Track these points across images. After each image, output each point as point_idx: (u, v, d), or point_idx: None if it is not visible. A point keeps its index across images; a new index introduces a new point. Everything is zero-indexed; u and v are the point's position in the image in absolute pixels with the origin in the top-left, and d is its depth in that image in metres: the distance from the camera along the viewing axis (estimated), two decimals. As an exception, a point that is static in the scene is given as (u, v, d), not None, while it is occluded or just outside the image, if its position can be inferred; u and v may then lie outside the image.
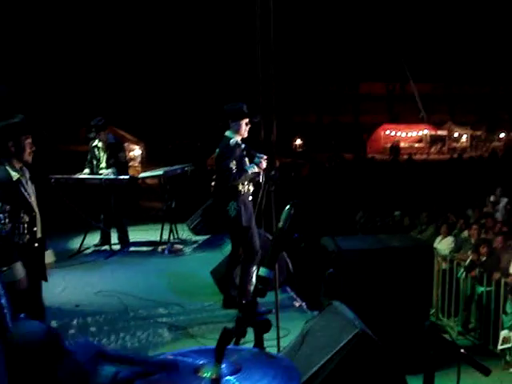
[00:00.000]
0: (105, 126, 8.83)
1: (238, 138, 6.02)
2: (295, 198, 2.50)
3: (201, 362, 1.82)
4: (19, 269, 4.02)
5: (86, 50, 35.31)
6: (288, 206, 2.39)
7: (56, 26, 32.83)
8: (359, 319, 4.16)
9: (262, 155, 6.00)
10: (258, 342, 2.17)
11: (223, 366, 1.77)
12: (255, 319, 2.11)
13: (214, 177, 6.59)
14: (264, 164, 5.94)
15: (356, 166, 25.06)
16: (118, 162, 8.90)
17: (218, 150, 6.13)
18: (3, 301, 2.47)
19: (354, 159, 28.24)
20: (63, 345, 1.94)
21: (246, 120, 6.09)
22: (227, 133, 6.10)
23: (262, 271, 2.33)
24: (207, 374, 1.75)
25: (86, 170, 8.91)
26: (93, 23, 35.51)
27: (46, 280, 4.47)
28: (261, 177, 6.35)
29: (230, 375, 1.76)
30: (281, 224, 2.38)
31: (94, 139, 8.86)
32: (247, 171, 5.95)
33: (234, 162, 5.88)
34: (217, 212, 6.24)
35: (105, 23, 36.07)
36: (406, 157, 34.14)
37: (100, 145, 8.84)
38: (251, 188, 6.09)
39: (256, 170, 5.97)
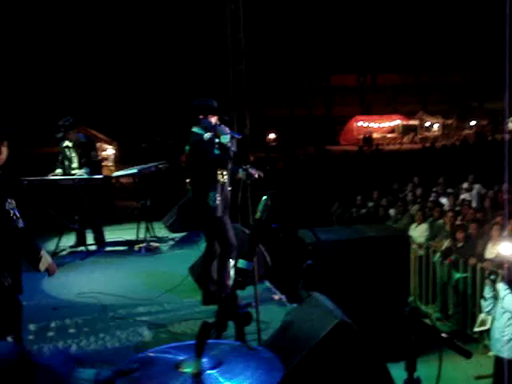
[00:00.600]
0: (73, 126, 8.71)
1: (208, 135, 5.94)
2: (271, 189, 2.49)
3: (181, 358, 1.80)
4: (46, 254, 4.04)
5: (56, 50, 34.94)
6: (265, 197, 2.38)
7: (30, 24, 32.46)
8: (339, 309, 4.17)
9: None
10: (239, 335, 2.15)
11: (204, 360, 1.75)
12: (236, 312, 2.10)
13: (188, 174, 6.50)
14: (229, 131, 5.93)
15: (331, 158, 25.18)
16: (91, 161, 8.80)
17: (188, 147, 6.05)
18: None
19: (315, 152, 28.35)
20: (35, 360, 1.90)
21: (216, 117, 6.03)
22: (195, 129, 6.00)
23: (241, 263, 2.31)
24: (188, 370, 1.74)
25: (59, 171, 8.80)
26: (65, 22, 35.13)
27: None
28: (240, 171, 6.33)
29: (212, 369, 1.75)
30: (258, 214, 2.36)
31: (64, 139, 8.75)
32: (227, 145, 5.85)
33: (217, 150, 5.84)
34: (194, 205, 6.15)
35: (76, 23, 35.72)
36: (376, 147, 34.40)
37: (70, 145, 8.73)
38: (226, 180, 6.05)
39: (228, 139, 5.88)
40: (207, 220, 6.06)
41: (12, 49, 31.27)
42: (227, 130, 5.95)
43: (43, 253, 3.98)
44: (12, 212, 3.72)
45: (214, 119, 6.02)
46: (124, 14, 37.92)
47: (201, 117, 6.00)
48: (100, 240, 9.05)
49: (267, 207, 2.40)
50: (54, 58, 34.93)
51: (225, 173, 5.98)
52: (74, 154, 8.75)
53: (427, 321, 2.15)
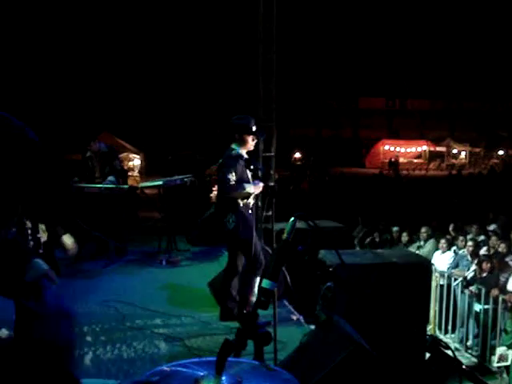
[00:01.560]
0: (93, 136, 8.82)
1: (243, 151, 5.98)
2: (298, 210, 2.49)
3: (201, 374, 1.80)
4: (40, 262, 3.81)
5: (86, 61, 35.44)
6: (292, 218, 2.38)
7: (55, 35, 32.96)
8: (357, 333, 4.14)
9: (260, 167, 6.00)
10: (258, 355, 2.15)
11: (223, 378, 1.75)
12: (256, 331, 2.09)
13: (216, 187, 6.56)
14: (260, 189, 5.93)
15: (356, 180, 25.11)
16: (114, 169, 8.88)
17: (220, 161, 6.09)
18: None
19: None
20: None
21: (252, 136, 6.05)
22: (233, 145, 6.04)
23: (265, 283, 2.31)
24: (207, 386, 1.74)
25: (76, 179, 8.90)
26: (92, 32, 35.65)
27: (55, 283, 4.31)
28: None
29: (231, 387, 1.74)
30: (285, 235, 2.36)
31: (87, 150, 8.87)
32: (244, 188, 5.90)
33: (234, 174, 5.83)
34: (216, 223, 6.19)
35: (105, 33, 36.20)
36: (405, 172, 34.24)
37: (92, 155, 8.83)
38: (251, 201, 6.05)
39: (252, 190, 5.93)
40: (229, 240, 6.12)
41: (44, 59, 31.78)
42: (258, 183, 5.94)
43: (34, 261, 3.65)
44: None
45: (250, 138, 6.04)
46: (158, 29, 38.36)
47: (237, 135, 6.03)
48: (122, 249, 9.10)
49: (294, 228, 2.40)
50: (89, 68, 35.42)
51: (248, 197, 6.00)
52: (95, 164, 8.84)
53: (449, 351, 2.12)
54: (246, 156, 5.97)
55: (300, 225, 2.68)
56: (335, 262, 6.35)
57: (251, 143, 6.05)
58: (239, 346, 2.03)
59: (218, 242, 9.97)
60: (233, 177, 5.81)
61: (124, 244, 9.19)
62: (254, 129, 6.05)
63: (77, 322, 6.11)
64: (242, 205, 5.93)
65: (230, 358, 1.82)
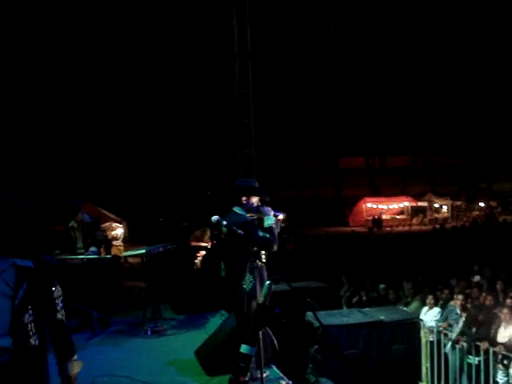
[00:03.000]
0: (80, 207, 8.81)
1: (247, 214, 5.96)
2: (277, 273, 2.48)
3: None
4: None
5: (64, 128, 35.72)
6: (268, 282, 2.36)
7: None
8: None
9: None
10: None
11: None
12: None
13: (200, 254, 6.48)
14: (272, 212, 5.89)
15: (340, 239, 25.14)
16: (96, 240, 8.84)
17: (225, 229, 5.73)
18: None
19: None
20: None
21: (257, 198, 6.04)
22: (236, 209, 6.00)
23: (244, 348, 2.27)
24: None
25: (57, 251, 8.83)
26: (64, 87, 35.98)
27: None
28: None
29: None
30: (261, 299, 2.34)
31: (70, 220, 8.84)
32: (272, 227, 5.82)
33: (262, 232, 5.79)
34: (227, 287, 6.02)
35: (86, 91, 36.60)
36: (388, 228, 34.38)
37: (76, 225, 8.80)
38: (263, 261, 5.93)
39: (273, 220, 5.87)
40: (240, 303, 5.88)
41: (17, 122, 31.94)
42: (270, 210, 5.96)
43: (76, 358, 3.56)
44: (58, 302, 3.31)
45: (255, 200, 6.03)
46: (138, 89, 38.87)
47: (243, 198, 5.99)
48: (105, 321, 8.97)
49: (270, 292, 2.39)
50: (68, 139, 35.67)
51: (263, 255, 5.91)
52: (78, 234, 8.80)
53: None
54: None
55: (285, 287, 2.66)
56: (323, 323, 6.31)
57: (255, 205, 6.02)
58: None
59: (204, 309, 9.91)
60: (262, 233, 5.76)
61: (108, 315, 9.05)
62: (258, 190, 6.07)
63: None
64: (259, 265, 5.84)
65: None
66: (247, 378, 5.08)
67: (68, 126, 36.14)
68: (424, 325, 10.31)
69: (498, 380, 7.87)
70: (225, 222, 5.60)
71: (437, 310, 10.96)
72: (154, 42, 38.56)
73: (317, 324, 6.56)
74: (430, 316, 10.92)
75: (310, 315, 6.93)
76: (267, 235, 5.74)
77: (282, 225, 6.08)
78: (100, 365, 7.14)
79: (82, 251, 8.76)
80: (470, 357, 9.38)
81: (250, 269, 5.78)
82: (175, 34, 38.48)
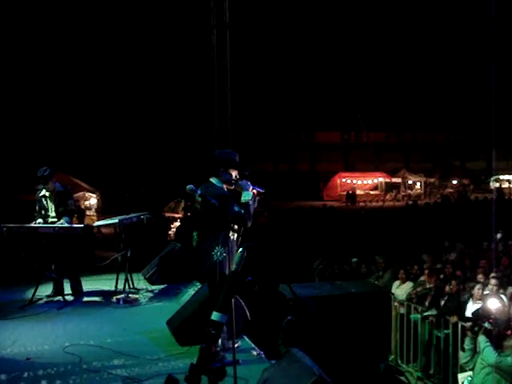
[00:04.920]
0: (51, 175, 8.68)
1: (224, 186, 5.82)
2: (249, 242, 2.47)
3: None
4: None
5: (44, 96, 35.24)
6: (241, 249, 2.35)
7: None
8: (317, 366, 4.11)
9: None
10: (212, 391, 2.09)
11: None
12: (209, 366, 2.04)
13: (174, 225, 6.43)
14: (250, 187, 5.82)
15: (313, 213, 25.24)
16: (68, 209, 8.74)
17: (200, 198, 5.62)
18: None
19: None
20: None
21: (236, 171, 5.91)
22: (214, 180, 5.86)
23: (215, 316, 2.26)
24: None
25: (39, 220, 8.74)
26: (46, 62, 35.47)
27: None
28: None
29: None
30: (234, 267, 2.33)
31: (41, 189, 8.72)
32: (248, 203, 5.69)
33: (237, 207, 5.66)
34: (197, 257, 5.94)
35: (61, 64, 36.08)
36: (362, 204, 34.61)
37: (47, 194, 8.69)
38: (235, 235, 5.81)
39: (250, 196, 5.74)
40: (210, 274, 5.70)
41: None
42: (249, 185, 5.84)
43: None
44: None
45: (234, 173, 5.90)
46: (115, 59, 38.38)
47: (221, 169, 5.89)
48: (77, 290, 8.94)
49: (243, 259, 2.38)
50: (44, 106, 35.18)
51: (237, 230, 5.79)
52: (50, 204, 8.70)
53: (403, 378, 2.11)
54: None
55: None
56: (287, 295, 6.36)
57: (233, 178, 5.89)
58: (192, 382, 1.97)
59: (177, 279, 9.91)
60: (238, 208, 5.68)
61: (79, 284, 9.02)
62: (239, 163, 5.98)
63: (32, 365, 5.98)
64: (231, 238, 5.76)
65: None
66: (218, 348, 5.10)
67: (44, 95, 35.61)
68: (395, 298, 10.47)
69: (464, 346, 8.05)
70: (199, 192, 5.53)
71: (410, 284, 11.11)
72: (130, 13, 38.01)
73: (289, 295, 6.59)
74: (401, 290, 11.07)
75: (282, 287, 6.96)
76: (242, 211, 5.65)
77: (258, 198, 5.94)
78: (71, 334, 7.13)
79: (55, 220, 8.66)
80: (438, 330, 9.56)
81: (222, 241, 5.69)
82: (152, 7, 37.94)
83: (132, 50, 38.68)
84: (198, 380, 1.94)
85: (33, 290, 8.61)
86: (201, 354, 2.00)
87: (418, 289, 10.75)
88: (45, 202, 8.73)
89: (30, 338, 6.97)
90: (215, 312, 2.24)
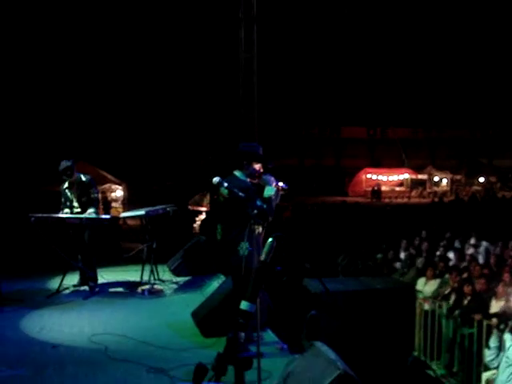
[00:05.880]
0: (73, 167, 8.77)
1: (247, 180, 5.83)
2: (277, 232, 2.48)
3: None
4: None
5: (70, 89, 35.48)
6: (270, 239, 2.35)
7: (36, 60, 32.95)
8: (341, 360, 4.10)
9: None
10: (238, 380, 2.10)
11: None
12: (236, 356, 2.06)
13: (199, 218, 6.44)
14: (274, 182, 5.80)
15: (338, 209, 25.18)
16: (91, 199, 8.81)
17: (226, 191, 5.56)
18: None
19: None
20: None
21: (260, 164, 5.91)
22: (238, 173, 5.89)
23: (244, 305, 2.27)
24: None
25: (66, 210, 8.84)
26: (74, 58, 35.70)
27: None
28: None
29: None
30: (263, 257, 2.33)
31: (65, 181, 8.82)
32: (271, 198, 5.67)
33: (260, 201, 5.62)
34: (223, 251, 5.96)
35: (87, 60, 36.31)
36: (387, 200, 34.40)
37: (69, 186, 8.78)
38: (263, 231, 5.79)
39: (273, 191, 5.72)
40: (235, 268, 5.75)
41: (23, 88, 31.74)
42: (273, 180, 5.81)
43: None
44: None
45: (258, 166, 5.90)
46: (140, 55, 38.53)
47: (245, 162, 5.89)
48: (94, 279, 8.95)
49: (272, 249, 2.38)
50: (70, 97, 35.43)
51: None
52: (73, 194, 8.78)
53: (431, 372, 2.11)
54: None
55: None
56: (319, 289, 6.35)
57: (257, 171, 5.89)
58: (219, 370, 1.99)
59: (201, 271, 9.96)
60: (260, 202, 5.66)
61: (95, 274, 9.03)
62: (262, 156, 5.96)
63: (58, 353, 6.07)
64: (256, 233, 5.75)
65: (210, 383, 1.79)
66: (242, 340, 5.13)
67: (70, 86, 35.87)
68: (419, 295, 10.41)
69: (490, 344, 7.99)
70: (226, 184, 5.54)
71: (435, 281, 11.03)
72: (156, 5, 38.10)
73: (314, 290, 6.59)
74: (426, 287, 11.00)
75: (306, 281, 6.96)
76: (264, 205, 5.63)
77: (282, 193, 5.89)
78: (97, 323, 7.22)
79: (79, 211, 8.74)
80: (464, 328, 9.48)
81: (248, 235, 5.69)
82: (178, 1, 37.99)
83: (159, 42, 38.78)
84: (224, 369, 1.97)
85: (59, 280, 8.73)
86: (228, 344, 2.02)
87: (443, 287, 10.67)
88: (69, 194, 8.82)
89: (56, 327, 7.07)
90: (244, 301, 2.25)
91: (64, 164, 8.66)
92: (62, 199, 8.90)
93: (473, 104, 47.80)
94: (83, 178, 8.88)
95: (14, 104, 30.69)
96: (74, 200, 8.77)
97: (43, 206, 9.60)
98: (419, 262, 12.41)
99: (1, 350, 6.20)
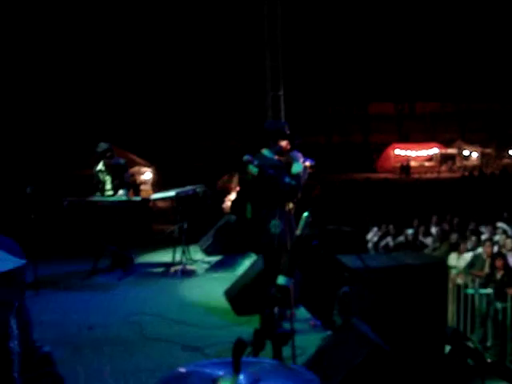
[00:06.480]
0: (108, 149, 8.87)
1: (275, 157, 5.85)
2: (310, 207, 2.48)
3: (220, 373, 1.79)
4: None
5: (97, 73, 35.66)
6: (306, 214, 2.36)
7: (63, 47, 33.17)
8: (376, 335, 4.12)
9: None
10: (277, 355, 2.13)
11: (241, 376, 1.74)
12: (273, 331, 2.08)
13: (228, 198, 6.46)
14: (302, 158, 5.79)
15: (367, 185, 25.07)
16: (124, 182, 8.91)
17: (256, 169, 5.68)
18: (12, 344, 1.93)
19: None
20: None
21: (287, 141, 5.90)
22: (265, 152, 5.90)
23: (281, 280, 2.29)
24: (225, 385, 1.73)
25: (98, 194, 8.95)
26: (97, 47, 35.84)
27: None
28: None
29: (248, 385, 1.74)
30: (299, 231, 2.34)
31: (99, 164, 8.92)
32: (299, 174, 5.70)
33: (288, 178, 5.68)
34: (254, 230, 5.98)
35: (111, 48, 36.42)
36: (416, 175, 34.10)
37: (103, 168, 8.88)
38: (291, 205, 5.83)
39: (301, 167, 5.74)
40: (267, 246, 5.86)
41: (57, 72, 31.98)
42: (300, 156, 5.82)
43: None
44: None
45: (285, 143, 5.90)
46: (165, 41, 38.53)
47: (271, 141, 5.89)
48: (129, 259, 9.05)
49: (308, 224, 2.39)
50: (100, 83, 35.63)
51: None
52: (107, 177, 8.88)
53: (470, 343, 2.11)
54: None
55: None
56: (352, 265, 6.34)
57: (284, 148, 5.90)
58: (257, 346, 2.02)
59: (232, 250, 10.03)
60: (289, 180, 5.67)
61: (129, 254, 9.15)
62: (288, 133, 5.96)
63: (95, 334, 6.18)
64: (287, 210, 5.78)
65: (249, 358, 1.81)
66: (276, 317, 5.16)
67: (97, 71, 36.06)
68: (452, 269, 10.35)
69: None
70: (256, 162, 5.54)
71: (467, 255, 10.96)
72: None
73: (354, 266, 6.59)
74: (459, 261, 10.93)
75: (344, 257, 6.96)
76: (293, 182, 5.63)
77: (310, 171, 5.89)
78: (131, 304, 7.33)
79: (111, 193, 8.85)
80: (497, 303, 9.42)
81: (279, 213, 5.70)
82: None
83: (185, 26, 38.74)
84: (262, 344, 2.00)
85: (93, 262, 8.86)
86: (265, 319, 2.04)
87: (476, 261, 10.60)
88: (101, 176, 8.92)
89: (91, 308, 7.20)
90: (281, 276, 2.27)
91: (103, 146, 8.79)
92: (94, 181, 9.00)
93: (502, 76, 46.94)
94: (120, 161, 8.99)
95: (45, 91, 31.01)
96: (108, 182, 8.88)
97: (75, 189, 9.72)
98: (453, 237, 12.31)
99: (38, 332, 6.32)
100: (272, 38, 11.44)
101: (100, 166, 8.93)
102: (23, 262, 1.83)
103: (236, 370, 1.71)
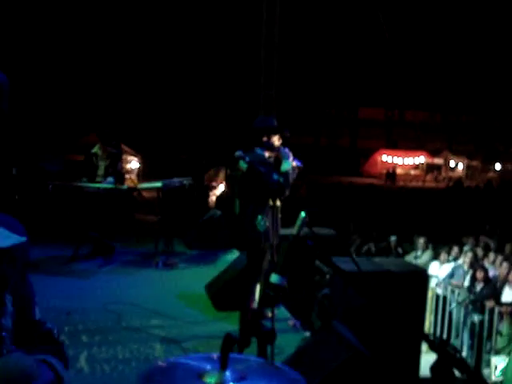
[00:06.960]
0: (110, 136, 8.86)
1: (266, 154, 5.84)
2: (307, 207, 2.48)
3: (207, 368, 1.78)
4: None
5: (84, 62, 35.50)
6: (303, 214, 2.35)
7: (52, 35, 33.00)
8: (356, 339, 4.13)
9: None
10: (262, 353, 2.12)
11: (228, 373, 1.73)
12: (260, 329, 2.08)
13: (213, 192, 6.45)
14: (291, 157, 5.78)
15: (353, 190, 25.16)
16: (117, 171, 8.88)
17: (246, 165, 5.69)
18: (4, 321, 1.91)
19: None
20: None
21: (278, 136, 5.84)
22: (259, 150, 5.83)
23: (274, 278, 2.27)
24: (211, 380, 1.72)
25: (84, 179, 8.88)
26: (88, 34, 35.69)
27: None
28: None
29: (234, 382, 1.73)
30: (295, 231, 2.34)
31: (94, 146, 8.87)
32: (288, 172, 5.69)
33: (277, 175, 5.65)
34: (240, 225, 5.95)
35: (102, 35, 36.27)
36: (401, 183, 34.26)
37: (100, 152, 8.82)
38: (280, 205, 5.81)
39: (290, 165, 5.72)
40: (251, 243, 5.82)
41: (45, 61, 31.81)
42: (290, 155, 5.79)
43: None
44: None
45: (275, 138, 5.83)
46: (155, 28, 38.40)
47: (264, 138, 5.81)
48: (110, 247, 9.01)
49: (304, 224, 2.38)
50: (86, 69, 35.47)
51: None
52: (101, 163, 8.82)
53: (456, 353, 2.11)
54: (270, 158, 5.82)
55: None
56: (352, 268, 6.36)
57: (276, 144, 5.83)
58: (243, 343, 2.01)
59: (215, 245, 10.01)
60: (277, 176, 5.62)
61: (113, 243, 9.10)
62: (277, 127, 5.94)
63: (73, 320, 6.14)
64: (274, 207, 5.72)
65: (235, 355, 1.80)
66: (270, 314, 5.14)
67: (86, 61, 35.88)
68: (431, 279, 10.40)
69: (501, 331, 8.00)
70: (248, 158, 5.52)
71: (449, 265, 11.02)
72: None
73: (326, 270, 6.61)
74: (440, 271, 10.99)
75: (336, 259, 6.98)
76: (281, 179, 5.62)
77: (297, 171, 5.87)
78: (110, 292, 7.30)
79: (101, 179, 8.80)
80: (474, 315, 9.48)
81: (265, 210, 5.69)
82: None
83: (177, 22, 38.61)
84: (248, 341, 1.99)
85: (74, 248, 8.79)
86: (253, 317, 2.03)
87: (456, 272, 10.66)
88: (95, 161, 8.85)
89: (70, 294, 7.15)
90: (274, 274, 2.26)
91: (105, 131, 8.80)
92: (84, 166, 8.93)
93: (492, 90, 47.29)
94: (114, 150, 8.96)
95: (40, 80, 30.83)
96: (101, 168, 8.81)
97: (61, 174, 9.66)
98: (435, 246, 12.39)
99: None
100: (268, 38, 11.41)
101: (96, 149, 8.86)
102: (23, 239, 1.84)
103: (223, 366, 1.70)
